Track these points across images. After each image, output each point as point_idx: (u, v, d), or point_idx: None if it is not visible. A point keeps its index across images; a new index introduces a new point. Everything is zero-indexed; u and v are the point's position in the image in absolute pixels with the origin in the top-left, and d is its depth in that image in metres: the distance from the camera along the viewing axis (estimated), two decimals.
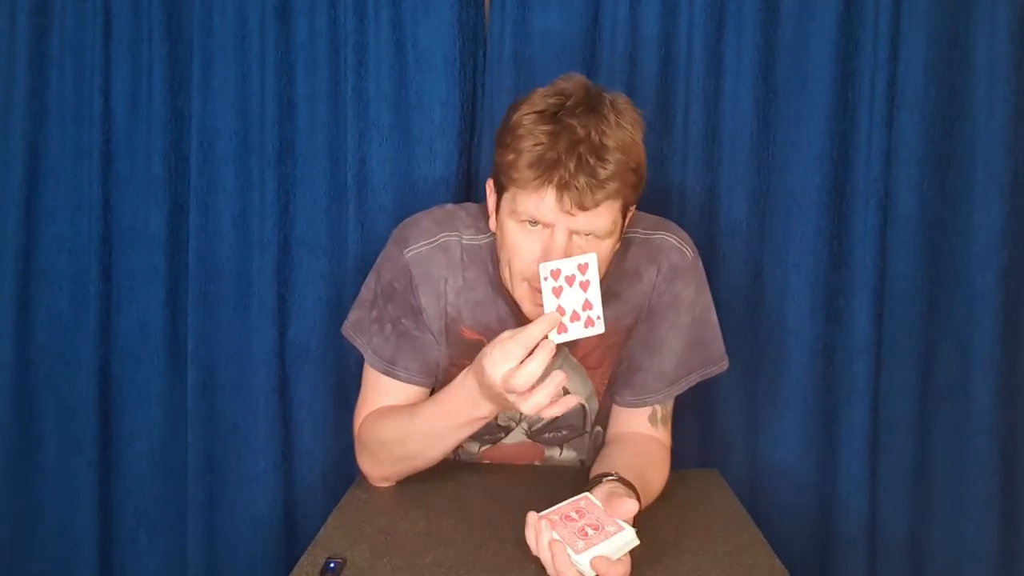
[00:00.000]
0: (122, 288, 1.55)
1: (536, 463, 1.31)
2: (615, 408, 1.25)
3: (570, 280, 0.96)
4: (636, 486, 1.03)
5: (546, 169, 0.98)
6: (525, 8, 1.45)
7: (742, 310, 1.48)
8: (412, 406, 1.15)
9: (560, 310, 0.96)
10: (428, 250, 1.16)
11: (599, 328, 0.97)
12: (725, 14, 1.45)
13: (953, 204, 1.47)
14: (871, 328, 1.46)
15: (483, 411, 1.05)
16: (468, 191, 1.51)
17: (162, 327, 1.55)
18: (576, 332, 0.97)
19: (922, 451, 1.52)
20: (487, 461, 1.30)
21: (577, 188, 0.98)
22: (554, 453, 1.31)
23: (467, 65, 1.47)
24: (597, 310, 0.97)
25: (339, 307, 1.50)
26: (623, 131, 1.01)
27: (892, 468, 1.51)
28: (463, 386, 1.05)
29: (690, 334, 1.21)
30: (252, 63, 1.49)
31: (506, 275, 1.09)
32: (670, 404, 1.24)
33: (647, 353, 1.20)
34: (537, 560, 0.91)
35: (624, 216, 1.07)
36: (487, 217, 1.16)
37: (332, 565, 0.91)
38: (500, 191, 1.07)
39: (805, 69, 1.46)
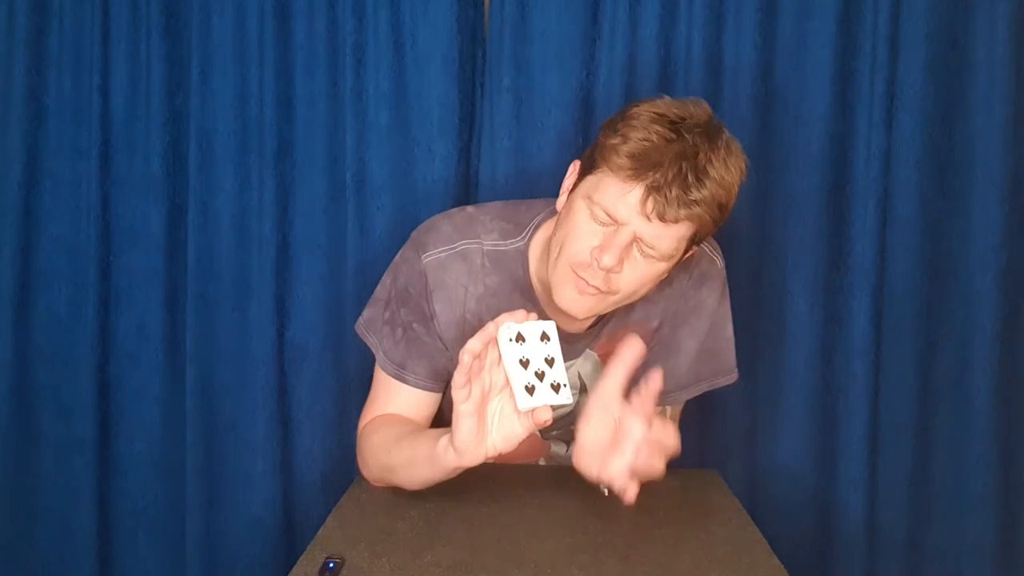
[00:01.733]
0: (121, 288, 1.55)
1: (540, 461, 1.31)
2: None
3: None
4: None
5: (644, 166, 0.96)
6: (524, 8, 1.45)
7: (742, 310, 1.48)
8: (411, 429, 1.13)
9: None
10: (447, 257, 1.14)
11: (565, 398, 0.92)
12: (724, 14, 1.45)
13: (952, 204, 1.48)
14: (870, 328, 1.46)
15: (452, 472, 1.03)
16: (467, 191, 1.50)
17: (161, 327, 1.55)
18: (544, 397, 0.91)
19: (921, 451, 1.52)
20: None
21: (666, 197, 0.96)
22: (560, 449, 1.31)
23: (466, 65, 1.47)
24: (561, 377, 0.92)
25: (338, 307, 1.50)
26: (728, 169, 1.00)
27: (891, 468, 1.51)
28: (439, 455, 0.99)
29: (705, 341, 1.21)
30: (251, 63, 1.49)
31: (554, 255, 1.05)
32: (679, 406, 1.25)
33: (665, 355, 1.21)
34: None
35: (686, 251, 1.06)
36: (512, 218, 1.16)
37: (331, 565, 0.91)
38: (585, 172, 1.04)
39: (804, 69, 1.46)
